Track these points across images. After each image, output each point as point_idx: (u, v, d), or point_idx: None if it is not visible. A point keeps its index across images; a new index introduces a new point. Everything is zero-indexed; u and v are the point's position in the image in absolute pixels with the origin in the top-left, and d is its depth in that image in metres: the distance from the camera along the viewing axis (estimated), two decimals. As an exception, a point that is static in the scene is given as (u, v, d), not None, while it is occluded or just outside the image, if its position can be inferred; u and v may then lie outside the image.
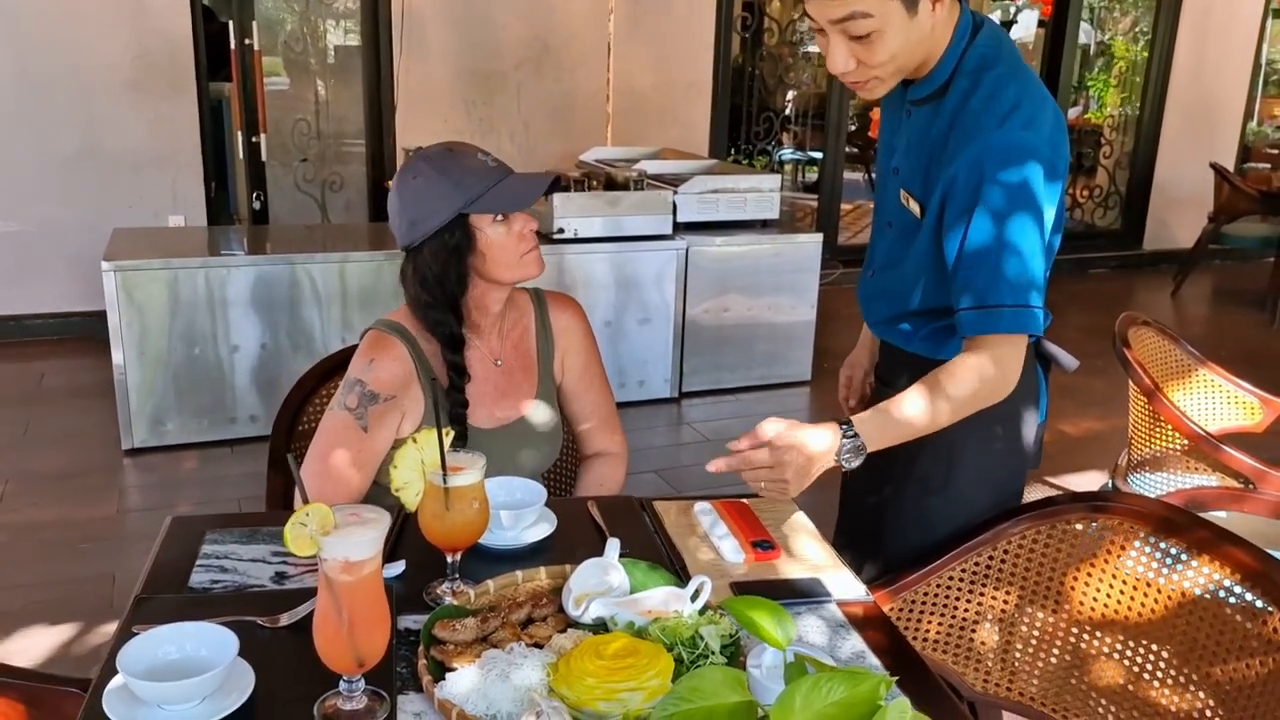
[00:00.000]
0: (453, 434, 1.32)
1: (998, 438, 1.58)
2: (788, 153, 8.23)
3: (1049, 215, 1.41)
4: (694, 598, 1.27)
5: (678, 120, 6.09)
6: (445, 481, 1.28)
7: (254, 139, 5.05)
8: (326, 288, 3.89)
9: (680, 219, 4.41)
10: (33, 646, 2.57)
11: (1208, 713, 1.36)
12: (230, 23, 4.95)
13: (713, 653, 1.18)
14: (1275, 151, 8.30)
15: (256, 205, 5.18)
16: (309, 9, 5.36)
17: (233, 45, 4.89)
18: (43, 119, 4.78)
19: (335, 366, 2.02)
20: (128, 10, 4.78)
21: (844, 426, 1.40)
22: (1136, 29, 7.79)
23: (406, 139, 5.33)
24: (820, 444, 1.38)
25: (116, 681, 1.09)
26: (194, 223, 5.08)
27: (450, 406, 1.71)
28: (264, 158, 5.14)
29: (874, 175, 1.65)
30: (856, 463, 1.41)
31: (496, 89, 5.61)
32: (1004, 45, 1.45)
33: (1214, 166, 6.68)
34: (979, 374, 1.41)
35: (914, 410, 1.42)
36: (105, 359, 3.71)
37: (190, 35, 4.92)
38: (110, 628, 2.11)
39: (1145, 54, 7.52)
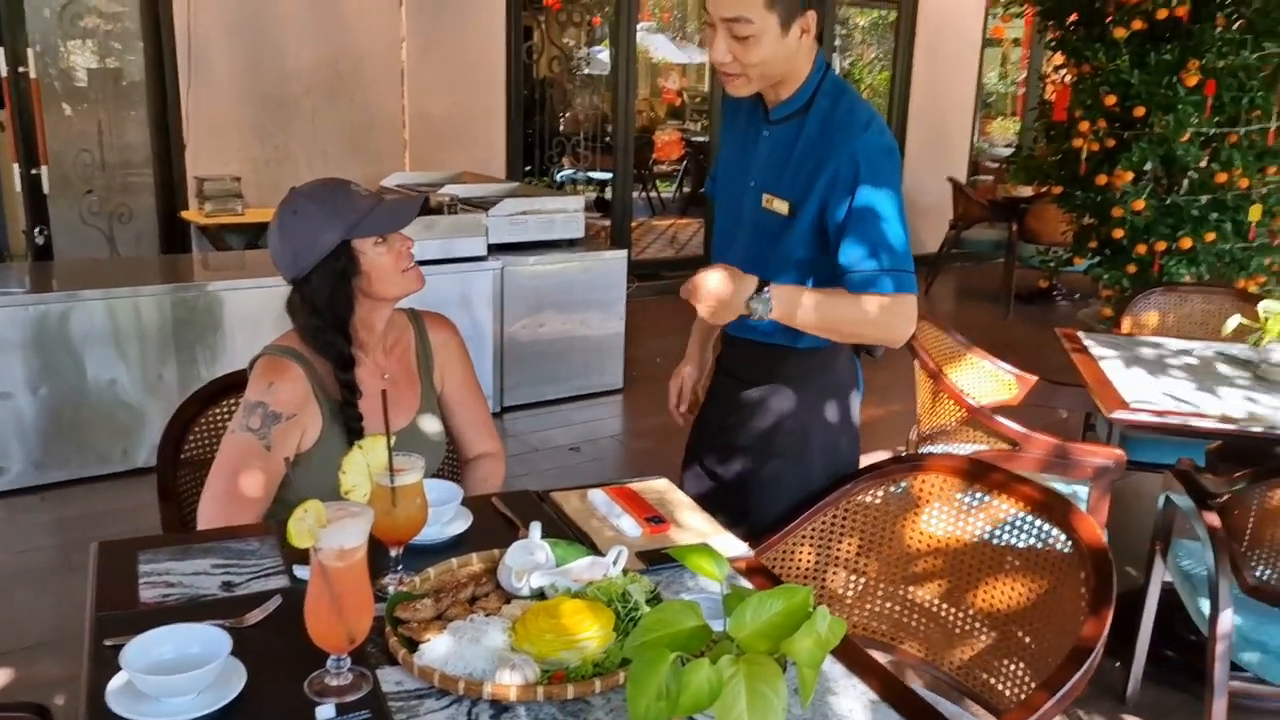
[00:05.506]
0: (394, 439, 1.46)
1: (838, 415, 1.90)
2: (570, 173, 8.50)
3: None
4: (615, 563, 1.48)
5: (475, 143, 6.25)
6: (392, 481, 1.43)
7: (33, 171, 4.78)
8: (115, 324, 3.72)
9: (492, 240, 4.59)
10: None
11: (1013, 618, 1.71)
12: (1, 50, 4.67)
13: (641, 605, 1.39)
14: (995, 165, 9.44)
15: (40, 240, 4.89)
16: (85, 35, 5.12)
17: (4, 73, 4.62)
18: None
19: (215, 394, 2.10)
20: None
21: (761, 281, 1.70)
22: (875, 58, 8.67)
23: (199, 168, 5.21)
24: (732, 274, 1.68)
25: (119, 680, 1.18)
26: (-37, 261, 4.75)
27: (345, 420, 1.84)
28: (45, 190, 4.87)
29: (708, 195, 1.90)
30: (762, 311, 1.68)
31: (290, 116, 5.57)
32: (842, 80, 1.83)
33: (951, 180, 7.55)
34: (879, 307, 1.72)
35: (826, 302, 1.71)
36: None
37: (-50, 62, 4.62)
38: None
39: (887, 78, 8.38)
